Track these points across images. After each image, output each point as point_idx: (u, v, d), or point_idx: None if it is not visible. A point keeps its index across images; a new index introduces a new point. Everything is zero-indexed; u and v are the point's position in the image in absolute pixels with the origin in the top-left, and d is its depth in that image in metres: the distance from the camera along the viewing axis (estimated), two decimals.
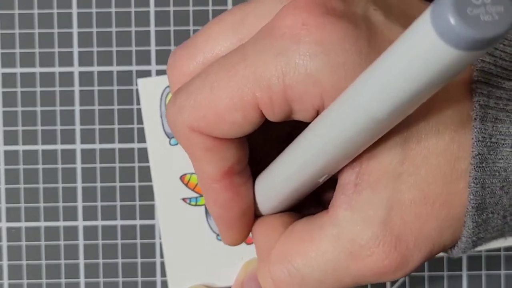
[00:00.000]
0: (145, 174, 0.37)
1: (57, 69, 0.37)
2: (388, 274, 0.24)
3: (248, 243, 0.36)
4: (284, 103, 0.23)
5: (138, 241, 0.37)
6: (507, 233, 0.25)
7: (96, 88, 0.37)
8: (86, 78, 0.37)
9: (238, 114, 0.23)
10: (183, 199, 0.36)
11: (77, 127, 0.37)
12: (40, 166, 0.37)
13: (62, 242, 0.37)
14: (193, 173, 0.36)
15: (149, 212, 0.37)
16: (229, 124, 0.23)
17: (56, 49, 0.37)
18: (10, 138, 0.37)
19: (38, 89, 0.37)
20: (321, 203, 0.28)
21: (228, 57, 0.23)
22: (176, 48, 0.26)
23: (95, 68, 0.37)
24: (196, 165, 0.26)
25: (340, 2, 0.22)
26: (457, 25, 0.16)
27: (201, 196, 0.36)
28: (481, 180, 0.23)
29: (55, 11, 0.37)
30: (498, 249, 0.37)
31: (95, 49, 0.37)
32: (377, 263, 0.23)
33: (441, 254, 0.29)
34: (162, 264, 0.37)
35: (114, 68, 0.37)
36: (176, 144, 0.36)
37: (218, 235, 0.36)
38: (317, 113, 0.23)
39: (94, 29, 0.37)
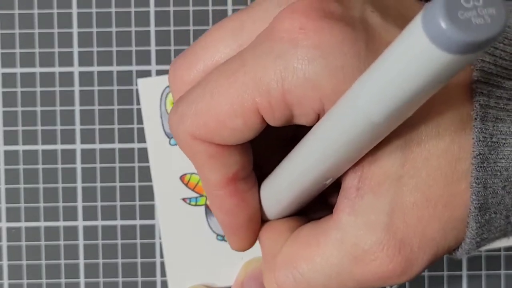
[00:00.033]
0: (145, 174, 0.37)
1: (57, 69, 0.37)
2: (392, 279, 0.24)
3: None
4: (284, 107, 0.23)
5: (138, 241, 0.37)
6: (510, 233, 0.25)
7: (96, 88, 0.37)
8: (86, 78, 0.37)
9: (238, 120, 0.23)
10: (183, 199, 0.36)
11: (77, 127, 0.37)
12: (40, 166, 0.37)
13: (62, 242, 0.37)
14: (193, 173, 0.36)
15: (149, 212, 0.37)
16: (230, 130, 0.23)
17: (56, 49, 0.37)
18: (10, 138, 0.37)
19: (38, 89, 0.37)
20: (328, 207, 0.28)
21: (228, 63, 0.23)
22: (176, 58, 0.26)
23: (95, 68, 0.37)
24: (200, 172, 0.25)
25: (337, 5, 0.22)
26: (448, 29, 0.16)
27: (201, 196, 0.36)
28: (483, 180, 0.23)
29: (55, 11, 0.37)
30: (498, 249, 0.37)
31: (95, 49, 0.37)
32: (382, 268, 0.23)
33: None
34: (162, 264, 0.37)
35: (114, 68, 0.37)
36: (176, 144, 0.36)
37: (218, 235, 0.36)
38: (318, 117, 0.23)
39: (94, 29, 0.37)
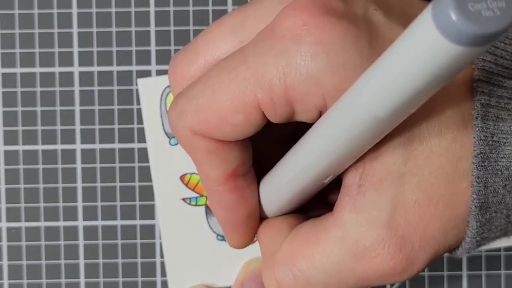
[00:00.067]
0: (145, 174, 0.37)
1: (57, 69, 0.37)
2: (393, 276, 0.24)
3: None
4: (285, 104, 0.23)
5: (138, 241, 0.37)
6: (510, 232, 0.25)
7: (96, 88, 0.37)
8: (86, 78, 0.37)
9: (240, 116, 0.23)
10: (183, 199, 0.36)
11: (77, 127, 0.37)
12: (40, 166, 0.37)
13: (62, 242, 0.37)
14: (193, 173, 0.36)
15: (149, 212, 0.37)
16: (231, 126, 0.23)
17: (56, 49, 0.37)
18: (10, 138, 0.37)
19: (38, 89, 0.37)
20: (327, 204, 0.28)
21: (229, 59, 0.23)
22: (176, 53, 0.26)
23: (95, 68, 0.37)
24: (200, 168, 0.25)
25: (340, 2, 0.22)
26: (459, 21, 0.16)
27: (201, 196, 0.36)
28: (484, 179, 0.23)
29: (55, 11, 0.37)
30: (498, 249, 0.37)
31: (95, 49, 0.37)
32: (383, 265, 0.23)
33: None
34: (162, 264, 0.37)
35: (114, 68, 0.37)
36: (176, 144, 0.36)
37: (218, 235, 0.36)
38: (320, 114, 0.23)
39: (94, 29, 0.37)
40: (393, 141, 0.22)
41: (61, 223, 0.37)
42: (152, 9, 0.37)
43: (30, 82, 0.36)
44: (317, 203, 0.28)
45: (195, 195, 0.36)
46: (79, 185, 0.37)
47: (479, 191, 0.23)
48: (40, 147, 0.37)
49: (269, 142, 0.27)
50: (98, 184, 0.37)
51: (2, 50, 0.37)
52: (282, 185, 0.25)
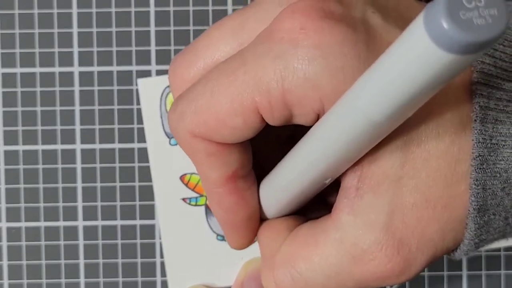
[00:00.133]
0: (145, 174, 0.37)
1: (57, 69, 0.37)
2: (391, 278, 0.24)
3: None
4: (283, 107, 0.23)
5: (138, 241, 0.37)
6: (508, 234, 0.25)
7: (96, 88, 0.37)
8: (86, 78, 0.37)
9: (238, 119, 0.23)
10: (183, 199, 0.36)
11: (77, 127, 0.37)
12: (40, 166, 0.37)
13: (62, 242, 0.37)
14: (193, 173, 0.36)
15: (149, 212, 0.37)
16: (229, 129, 0.23)
17: (56, 49, 0.37)
18: (10, 138, 0.37)
19: (38, 89, 0.37)
20: (327, 206, 0.28)
21: (228, 62, 0.23)
22: (176, 55, 0.26)
23: (95, 68, 0.37)
24: (200, 170, 0.26)
25: (338, 6, 0.22)
26: (450, 29, 0.16)
27: (201, 196, 0.36)
28: (482, 181, 0.23)
29: (55, 11, 0.37)
30: (498, 249, 0.37)
31: (95, 49, 0.37)
32: (380, 267, 0.23)
33: None
34: (162, 264, 0.37)
35: (114, 68, 0.37)
36: (176, 144, 0.36)
37: (218, 235, 0.36)
38: (318, 117, 0.23)
39: (94, 29, 0.36)
40: (391, 144, 0.22)
41: (61, 223, 0.37)
42: (152, 9, 0.37)
43: (30, 82, 0.37)
44: (317, 204, 0.28)
45: (195, 195, 0.36)
46: (79, 185, 0.37)
47: (478, 193, 0.23)
48: (40, 147, 0.37)
49: (268, 144, 0.27)
50: (98, 184, 0.37)
51: (2, 50, 0.37)
52: (281, 188, 0.26)
